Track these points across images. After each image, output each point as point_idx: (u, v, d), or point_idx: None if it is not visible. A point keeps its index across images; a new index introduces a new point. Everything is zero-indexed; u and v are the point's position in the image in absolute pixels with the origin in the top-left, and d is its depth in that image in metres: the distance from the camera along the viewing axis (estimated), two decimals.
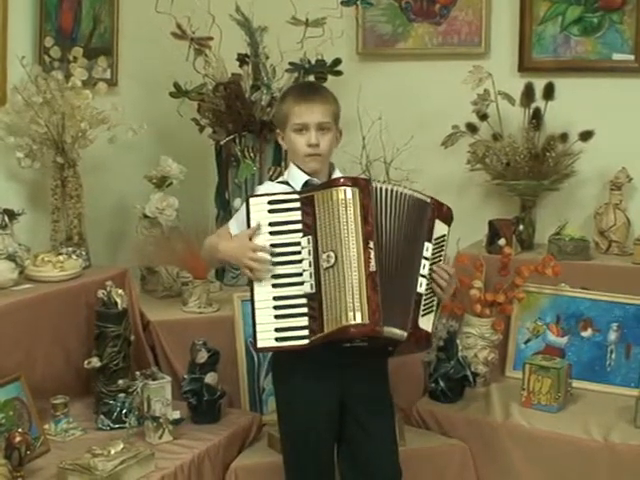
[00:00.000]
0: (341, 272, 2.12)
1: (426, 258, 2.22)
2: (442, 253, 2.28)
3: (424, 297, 2.22)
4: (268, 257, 2.18)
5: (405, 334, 2.17)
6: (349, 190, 2.15)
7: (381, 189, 2.21)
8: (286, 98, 2.39)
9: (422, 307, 2.21)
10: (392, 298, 2.15)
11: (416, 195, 2.26)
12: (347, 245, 2.13)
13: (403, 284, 2.20)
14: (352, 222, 2.14)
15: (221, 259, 2.35)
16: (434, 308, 2.25)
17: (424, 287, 2.21)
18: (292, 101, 2.33)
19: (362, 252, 2.13)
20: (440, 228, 2.27)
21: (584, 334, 3.15)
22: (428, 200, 2.27)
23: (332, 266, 2.13)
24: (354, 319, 2.10)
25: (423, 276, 2.22)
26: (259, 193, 2.34)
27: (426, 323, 2.21)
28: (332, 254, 2.14)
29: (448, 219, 2.30)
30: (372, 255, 2.14)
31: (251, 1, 3.39)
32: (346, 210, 2.14)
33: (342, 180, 2.20)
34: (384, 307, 2.13)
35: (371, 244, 2.14)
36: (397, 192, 2.22)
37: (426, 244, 2.23)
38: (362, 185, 2.18)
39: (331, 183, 2.22)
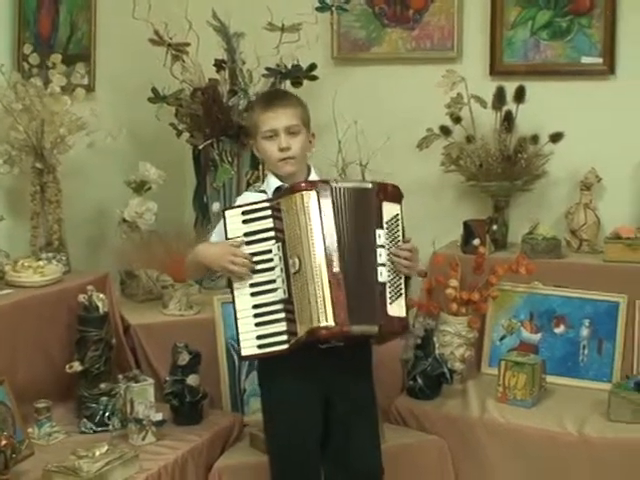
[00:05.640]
0: (305, 276, 2.16)
1: (381, 246, 2.20)
2: (398, 234, 2.25)
3: (389, 284, 2.21)
4: (247, 262, 2.22)
5: (376, 328, 2.19)
6: (307, 194, 2.19)
7: (337, 188, 2.22)
8: (253, 109, 2.47)
9: (388, 295, 2.20)
10: (358, 295, 2.18)
11: (359, 185, 2.27)
12: (308, 249, 2.17)
13: (365, 278, 2.20)
14: (312, 225, 2.18)
15: (201, 262, 2.36)
16: (402, 291, 2.23)
17: (385, 275, 2.20)
18: (259, 110, 2.39)
19: (324, 254, 2.17)
20: (390, 209, 2.24)
21: (557, 330, 3.21)
22: (369, 186, 2.26)
23: (298, 271, 2.18)
24: (320, 321, 2.14)
25: (382, 265, 2.20)
26: (235, 205, 2.38)
27: (397, 309, 2.20)
28: (297, 259, 2.18)
29: (397, 198, 2.27)
30: (334, 256, 2.17)
31: (228, 7, 3.43)
32: (305, 214, 2.18)
33: (302, 185, 2.23)
34: (351, 306, 2.16)
35: (333, 245, 2.17)
36: (347, 187, 2.23)
37: (377, 232, 2.21)
38: (320, 187, 2.21)
39: (293, 188, 2.24)
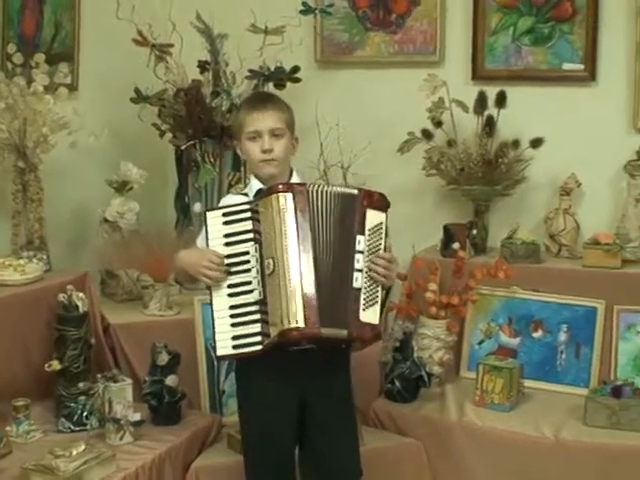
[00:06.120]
0: (278, 278, 2.17)
1: (360, 252, 2.20)
2: (380, 242, 2.24)
3: (364, 291, 2.20)
4: (222, 269, 2.23)
5: (345, 332, 2.18)
6: (283, 196, 2.20)
7: (315, 191, 2.23)
8: (240, 110, 2.49)
9: (363, 301, 2.19)
10: (330, 298, 2.18)
11: (344, 190, 2.27)
12: (282, 251, 2.18)
13: (340, 283, 2.20)
14: (286, 227, 2.19)
15: (182, 267, 2.38)
16: (378, 299, 2.22)
17: (360, 281, 2.19)
18: (245, 111, 2.41)
19: (297, 256, 2.18)
20: (374, 217, 2.24)
21: (535, 335, 3.24)
22: (355, 192, 2.26)
23: (272, 272, 2.19)
24: (290, 323, 2.15)
25: (359, 270, 2.19)
26: (218, 206, 2.40)
27: (370, 316, 2.19)
28: (271, 260, 2.19)
29: (382, 206, 2.26)
30: (307, 259, 2.18)
31: (212, 9, 3.44)
32: (280, 216, 2.19)
33: (280, 187, 2.24)
34: (323, 308, 2.16)
35: (307, 248, 2.18)
36: (328, 191, 2.24)
37: (358, 237, 2.20)
38: (296, 190, 2.22)
39: (270, 190, 2.25)
